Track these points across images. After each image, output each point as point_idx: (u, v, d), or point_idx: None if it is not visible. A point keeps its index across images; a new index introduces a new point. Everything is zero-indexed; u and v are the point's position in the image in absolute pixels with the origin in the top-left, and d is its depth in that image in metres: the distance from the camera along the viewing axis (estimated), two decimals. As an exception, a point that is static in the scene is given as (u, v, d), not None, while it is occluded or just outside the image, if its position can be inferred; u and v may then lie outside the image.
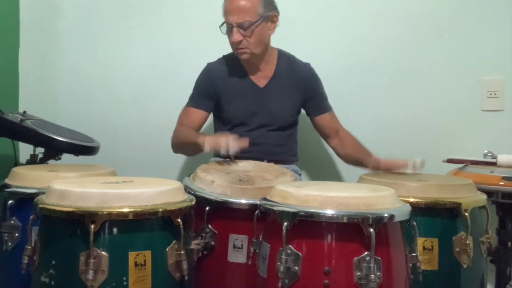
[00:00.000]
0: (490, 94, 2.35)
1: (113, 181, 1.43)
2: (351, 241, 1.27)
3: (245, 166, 1.79)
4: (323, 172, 2.46)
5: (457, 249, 1.56)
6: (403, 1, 2.43)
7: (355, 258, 1.26)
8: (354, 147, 2.14)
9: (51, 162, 2.10)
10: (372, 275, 1.23)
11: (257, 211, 1.41)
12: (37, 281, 1.29)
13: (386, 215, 1.28)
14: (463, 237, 1.55)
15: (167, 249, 1.30)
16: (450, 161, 2.08)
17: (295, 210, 1.29)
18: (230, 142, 1.74)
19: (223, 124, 2.16)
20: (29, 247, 1.34)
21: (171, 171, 2.51)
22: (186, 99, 2.16)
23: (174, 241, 1.31)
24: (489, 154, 2.06)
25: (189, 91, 2.17)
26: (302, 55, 2.22)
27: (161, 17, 2.58)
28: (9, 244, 1.54)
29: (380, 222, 1.26)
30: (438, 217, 1.59)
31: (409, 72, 2.42)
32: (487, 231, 1.67)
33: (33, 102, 2.57)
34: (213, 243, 1.54)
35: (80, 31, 2.64)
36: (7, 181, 1.64)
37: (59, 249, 1.27)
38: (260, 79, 2.13)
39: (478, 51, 2.36)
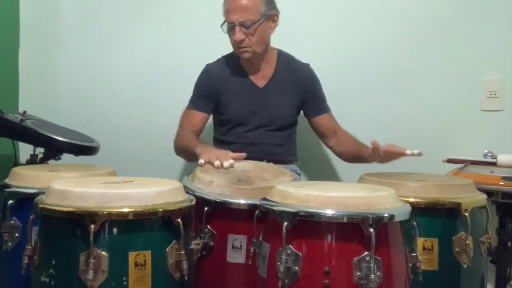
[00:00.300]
0: (490, 94, 2.35)
1: (113, 181, 1.43)
2: (351, 241, 1.27)
3: (244, 166, 1.79)
4: (323, 172, 2.46)
5: (457, 249, 1.55)
6: (403, 1, 2.43)
7: (355, 258, 1.26)
8: (351, 143, 2.12)
9: (51, 162, 2.10)
10: (372, 275, 1.23)
11: (257, 211, 1.41)
12: (37, 281, 1.28)
13: (386, 215, 1.28)
14: (463, 237, 1.55)
15: (167, 249, 1.30)
16: (450, 161, 2.08)
17: (295, 210, 1.28)
18: (224, 162, 1.73)
19: (222, 124, 2.16)
20: (29, 247, 1.34)
21: (171, 171, 2.51)
22: (186, 99, 2.17)
23: (174, 241, 1.31)
24: (489, 154, 2.06)
25: (190, 91, 2.17)
26: (302, 55, 2.22)
27: (162, 16, 2.58)
28: (9, 244, 1.54)
29: (380, 222, 1.26)
30: (438, 217, 1.58)
31: (409, 72, 2.42)
32: (487, 231, 1.66)
33: (33, 102, 2.57)
34: (212, 243, 1.53)
35: (80, 31, 2.64)
36: (7, 181, 1.64)
37: (59, 249, 1.27)
38: (260, 79, 2.13)
39: (478, 51, 2.36)
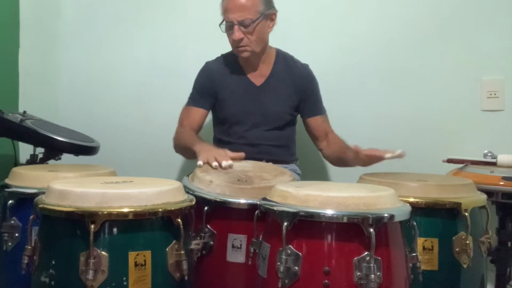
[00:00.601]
0: (490, 94, 2.35)
1: (113, 181, 1.43)
2: (351, 241, 1.27)
3: (244, 166, 1.79)
4: (323, 172, 2.46)
5: (457, 249, 1.56)
6: (402, 0, 2.43)
7: (355, 258, 1.26)
8: (339, 146, 2.09)
9: (51, 162, 2.10)
10: (372, 275, 1.23)
11: (257, 211, 1.41)
12: (37, 281, 1.28)
13: (386, 215, 1.28)
14: (463, 237, 1.55)
15: (167, 249, 1.30)
16: (450, 161, 2.08)
17: (295, 210, 1.29)
18: (223, 163, 1.73)
19: (221, 123, 2.16)
20: (29, 247, 1.34)
21: (171, 171, 2.51)
22: (186, 99, 2.17)
23: (174, 241, 1.31)
24: (489, 154, 2.06)
25: (190, 90, 2.17)
26: (301, 55, 2.22)
27: (162, 16, 2.58)
28: (9, 244, 1.54)
29: (380, 222, 1.26)
30: (438, 217, 1.59)
31: (409, 72, 2.42)
32: (487, 231, 1.67)
33: (33, 102, 2.57)
34: (212, 243, 1.53)
35: (80, 30, 2.64)
36: (7, 181, 1.64)
37: (59, 249, 1.27)
38: (257, 78, 2.13)
39: (478, 51, 2.35)
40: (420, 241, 1.51)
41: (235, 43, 2.02)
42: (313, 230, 1.28)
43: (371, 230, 1.24)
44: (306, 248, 1.29)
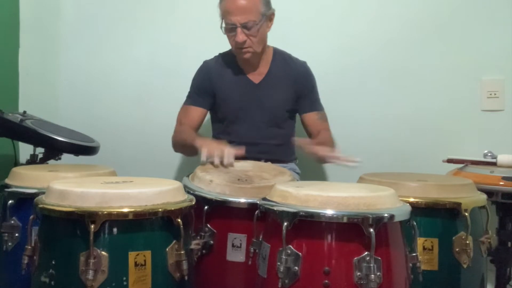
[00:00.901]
0: (490, 94, 2.35)
1: (113, 181, 1.43)
2: (351, 241, 1.27)
3: (244, 165, 1.80)
4: (323, 171, 2.46)
5: (457, 249, 1.55)
6: (402, 0, 2.43)
7: (355, 258, 1.26)
8: (321, 142, 2.03)
9: (51, 162, 2.10)
10: (372, 275, 1.23)
11: (257, 211, 1.41)
12: (37, 281, 1.28)
13: (386, 215, 1.28)
14: (463, 237, 1.55)
15: (167, 249, 1.30)
16: (450, 161, 2.08)
17: (295, 210, 1.28)
18: (225, 156, 1.73)
19: (219, 122, 2.17)
20: (29, 247, 1.34)
21: (171, 171, 2.51)
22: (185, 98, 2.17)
23: (174, 241, 1.31)
24: (489, 154, 2.06)
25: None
26: (300, 55, 2.22)
27: (162, 16, 2.58)
28: (9, 244, 1.54)
29: (380, 222, 1.26)
30: (438, 217, 1.58)
31: (409, 72, 2.42)
32: (487, 231, 1.66)
33: (33, 102, 2.57)
34: (212, 242, 1.54)
35: (80, 30, 2.65)
36: (7, 181, 1.64)
37: (59, 249, 1.27)
38: (255, 76, 2.14)
39: (478, 51, 2.36)
40: (420, 241, 1.51)
41: (238, 45, 2.02)
42: (313, 230, 1.28)
43: (371, 230, 1.24)
44: (306, 248, 1.28)
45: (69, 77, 2.66)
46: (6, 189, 1.58)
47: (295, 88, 2.13)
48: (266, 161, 1.96)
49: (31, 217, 1.35)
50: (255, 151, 2.01)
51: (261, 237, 1.40)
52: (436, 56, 2.39)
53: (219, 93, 2.13)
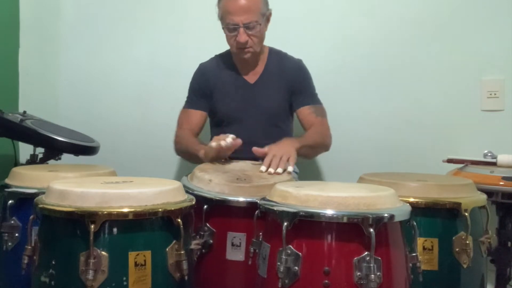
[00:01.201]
0: (490, 94, 2.35)
1: (113, 181, 1.43)
2: (351, 241, 1.27)
3: (243, 166, 1.82)
4: (321, 171, 2.47)
5: (457, 249, 1.55)
6: (402, 0, 2.43)
7: (355, 258, 1.26)
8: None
9: (51, 162, 2.10)
10: (372, 275, 1.23)
11: (257, 211, 1.41)
12: (37, 281, 1.28)
13: (386, 215, 1.28)
14: (463, 237, 1.55)
15: (167, 249, 1.30)
16: (450, 161, 2.08)
17: (295, 210, 1.28)
18: (222, 142, 1.77)
19: (217, 124, 2.17)
20: (29, 247, 1.34)
21: (171, 171, 2.51)
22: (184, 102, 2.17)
23: (174, 241, 1.31)
24: (489, 154, 2.06)
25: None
26: (299, 54, 2.22)
27: (162, 16, 2.58)
28: (9, 244, 1.54)
29: (380, 222, 1.26)
30: (438, 217, 1.58)
31: (409, 72, 2.42)
32: (487, 231, 1.66)
33: (33, 102, 2.58)
34: (211, 241, 1.54)
35: (80, 30, 2.65)
36: (7, 181, 1.64)
37: (59, 249, 1.27)
38: (251, 76, 2.14)
39: (478, 51, 2.35)
40: (420, 241, 1.51)
41: (239, 45, 2.02)
42: (313, 230, 1.28)
43: (371, 230, 1.24)
44: (306, 248, 1.28)
45: (69, 77, 2.66)
46: (6, 189, 1.58)
47: (289, 86, 2.13)
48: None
49: (31, 217, 1.35)
50: (252, 151, 2.01)
51: (261, 237, 1.40)
52: (436, 56, 2.39)
53: (216, 94, 2.13)
